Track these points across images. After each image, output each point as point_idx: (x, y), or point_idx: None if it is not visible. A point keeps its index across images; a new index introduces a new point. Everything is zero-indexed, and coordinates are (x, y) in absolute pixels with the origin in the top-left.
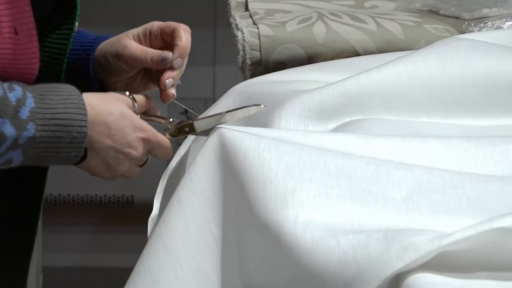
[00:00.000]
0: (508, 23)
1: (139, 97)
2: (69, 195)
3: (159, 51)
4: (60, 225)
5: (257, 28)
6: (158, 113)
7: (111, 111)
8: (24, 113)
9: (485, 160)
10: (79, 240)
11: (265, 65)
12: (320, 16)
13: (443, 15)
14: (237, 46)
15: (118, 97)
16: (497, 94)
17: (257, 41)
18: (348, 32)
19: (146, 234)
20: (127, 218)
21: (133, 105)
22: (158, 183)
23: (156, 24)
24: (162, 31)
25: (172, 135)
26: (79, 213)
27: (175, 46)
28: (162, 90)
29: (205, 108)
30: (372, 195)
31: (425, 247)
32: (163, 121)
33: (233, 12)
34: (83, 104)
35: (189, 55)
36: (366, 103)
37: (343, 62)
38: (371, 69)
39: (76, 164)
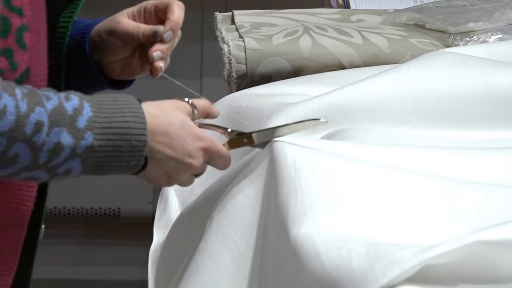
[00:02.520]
0: (493, 37)
1: (199, 102)
2: (55, 207)
3: (151, 26)
4: (47, 237)
5: (243, 42)
6: (218, 115)
7: (171, 121)
8: (82, 122)
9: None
10: (65, 252)
11: (251, 78)
12: (306, 30)
13: (429, 29)
14: (223, 59)
15: (177, 106)
16: (482, 107)
17: (243, 54)
18: (334, 46)
19: (132, 246)
20: (114, 231)
21: (193, 112)
22: (144, 195)
23: (150, 2)
24: (156, 8)
25: (231, 145)
26: (66, 226)
27: (167, 19)
28: (150, 64)
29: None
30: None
31: (409, 261)
32: (221, 131)
33: (219, 25)
34: (142, 112)
35: (176, 68)
36: (351, 116)
37: (329, 75)
38: (356, 82)
39: (136, 173)
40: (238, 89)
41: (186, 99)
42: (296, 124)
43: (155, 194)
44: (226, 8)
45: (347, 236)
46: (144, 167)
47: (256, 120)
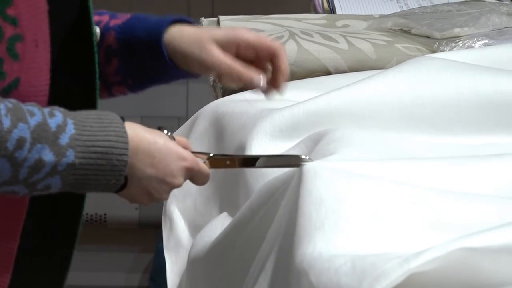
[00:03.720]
0: (479, 43)
1: (178, 138)
2: None
3: (249, 74)
4: None
5: None
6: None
7: (155, 139)
8: (64, 139)
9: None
10: None
11: None
12: (292, 35)
13: (415, 34)
14: None
15: (159, 131)
16: (468, 113)
17: None
18: (319, 51)
19: (119, 252)
20: (100, 237)
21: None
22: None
23: (245, 37)
24: (256, 48)
25: (212, 165)
26: None
27: (277, 70)
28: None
29: (178, 126)
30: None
31: (395, 272)
32: (204, 156)
33: None
34: (125, 132)
35: None
36: (337, 121)
37: (315, 81)
38: (341, 87)
39: (117, 191)
40: (223, 95)
41: (165, 132)
42: (279, 157)
43: None
44: (213, 14)
45: (333, 251)
46: (123, 186)
47: (242, 126)
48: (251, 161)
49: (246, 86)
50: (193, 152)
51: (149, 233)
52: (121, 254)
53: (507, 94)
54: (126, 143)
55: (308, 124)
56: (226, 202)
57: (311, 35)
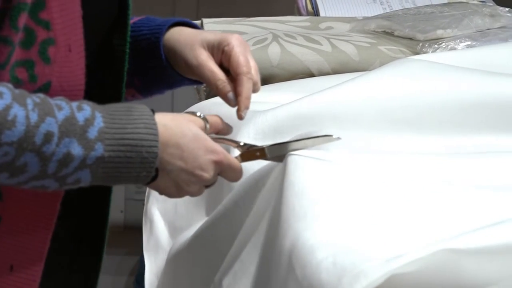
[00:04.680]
0: (462, 44)
1: (211, 118)
2: None
3: (227, 87)
4: None
5: None
6: (231, 131)
7: (184, 132)
8: (92, 132)
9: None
10: None
11: None
12: (275, 38)
13: (398, 36)
14: None
15: (191, 119)
16: (450, 114)
17: None
18: (303, 54)
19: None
20: None
21: (205, 126)
22: (116, 204)
23: (231, 46)
24: (231, 58)
25: (243, 158)
26: None
27: (238, 97)
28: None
29: None
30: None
31: (376, 272)
32: (234, 144)
33: None
34: (154, 124)
35: None
36: (320, 124)
37: (298, 83)
38: (324, 89)
39: (147, 184)
40: (207, 97)
41: (198, 113)
42: (308, 140)
43: (127, 202)
44: (197, 16)
45: (316, 243)
46: (154, 178)
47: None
48: (280, 149)
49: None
50: (223, 139)
51: (134, 235)
52: (106, 257)
53: (490, 96)
54: (156, 135)
55: (291, 126)
56: (207, 205)
57: (294, 38)
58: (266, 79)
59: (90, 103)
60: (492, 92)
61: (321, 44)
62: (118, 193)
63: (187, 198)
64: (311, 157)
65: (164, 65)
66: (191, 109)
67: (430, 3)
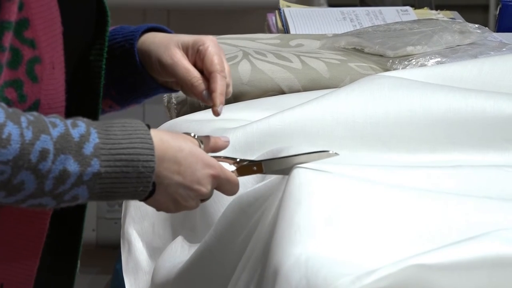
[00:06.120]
0: (432, 61)
1: (205, 138)
2: None
3: (201, 85)
4: None
5: None
6: (227, 144)
7: (181, 147)
8: (88, 149)
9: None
10: None
11: (191, 104)
12: (246, 55)
13: (368, 53)
14: None
15: (186, 136)
16: (420, 131)
17: None
18: (273, 71)
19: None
20: None
21: (200, 146)
22: (88, 222)
23: (206, 46)
24: (205, 57)
25: (239, 172)
26: None
27: (212, 93)
28: (211, 107)
29: None
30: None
31: None
32: (230, 161)
33: None
34: (150, 138)
35: None
36: (290, 140)
37: (268, 100)
38: (295, 106)
39: (145, 199)
40: (178, 115)
41: (192, 134)
42: (305, 155)
43: (99, 221)
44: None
45: (290, 269)
46: (152, 193)
47: None
48: (277, 164)
49: (194, 95)
50: (220, 157)
51: (106, 254)
52: (78, 275)
53: (459, 112)
54: (152, 149)
55: (261, 143)
56: (182, 224)
57: (264, 55)
58: (237, 97)
59: (85, 119)
60: (461, 108)
61: (291, 61)
62: (90, 212)
63: (163, 217)
64: (313, 169)
65: (139, 71)
66: (162, 127)
67: (400, 20)
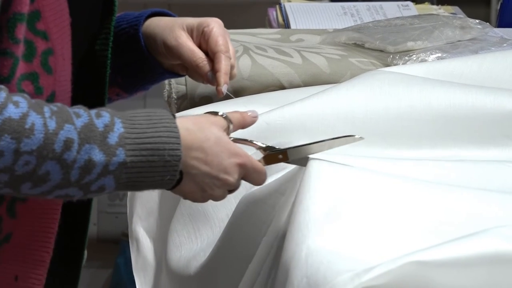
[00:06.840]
0: (432, 56)
1: (234, 116)
2: None
3: (206, 65)
4: None
5: None
6: (256, 119)
7: (207, 136)
8: (113, 138)
9: None
10: None
11: (191, 99)
12: (246, 50)
13: (368, 49)
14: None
15: (213, 121)
16: (420, 127)
17: None
18: (273, 66)
19: None
20: None
21: (228, 126)
22: None
23: (211, 27)
24: (209, 38)
25: (266, 161)
26: None
27: (217, 73)
28: (216, 87)
29: None
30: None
31: (346, 286)
32: (256, 146)
33: None
34: (175, 127)
35: None
36: (290, 136)
37: (269, 95)
38: (295, 102)
39: (172, 188)
40: (178, 110)
41: (220, 113)
42: (331, 141)
43: (100, 215)
44: None
45: (292, 267)
46: (179, 182)
47: None
48: (302, 151)
49: (199, 76)
50: (245, 140)
51: (107, 248)
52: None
53: (460, 108)
54: (178, 137)
55: (262, 138)
56: (190, 217)
57: (265, 50)
58: (237, 92)
59: (109, 109)
60: (462, 104)
61: (291, 57)
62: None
63: (168, 214)
64: (331, 161)
65: (145, 56)
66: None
67: (401, 15)
